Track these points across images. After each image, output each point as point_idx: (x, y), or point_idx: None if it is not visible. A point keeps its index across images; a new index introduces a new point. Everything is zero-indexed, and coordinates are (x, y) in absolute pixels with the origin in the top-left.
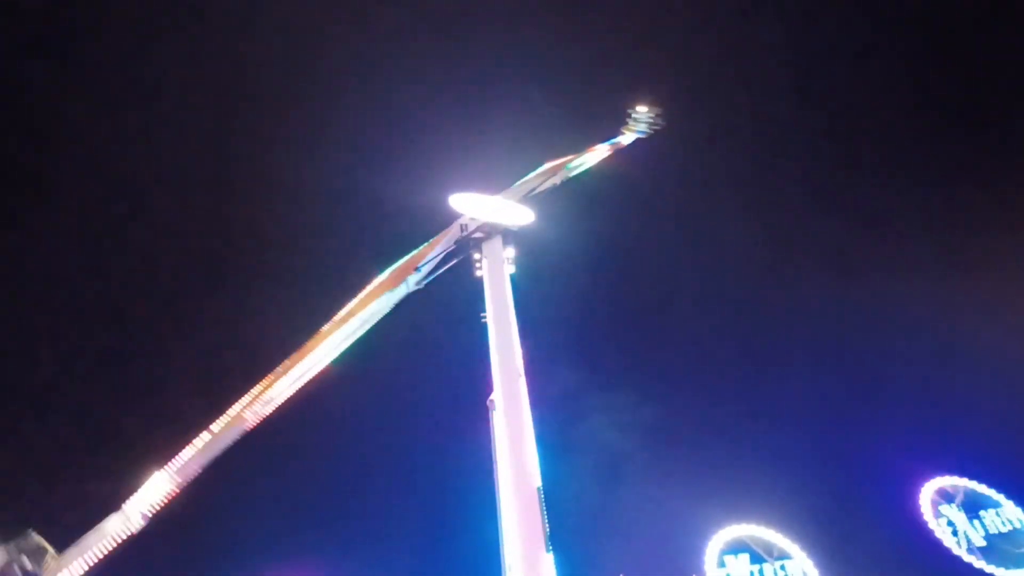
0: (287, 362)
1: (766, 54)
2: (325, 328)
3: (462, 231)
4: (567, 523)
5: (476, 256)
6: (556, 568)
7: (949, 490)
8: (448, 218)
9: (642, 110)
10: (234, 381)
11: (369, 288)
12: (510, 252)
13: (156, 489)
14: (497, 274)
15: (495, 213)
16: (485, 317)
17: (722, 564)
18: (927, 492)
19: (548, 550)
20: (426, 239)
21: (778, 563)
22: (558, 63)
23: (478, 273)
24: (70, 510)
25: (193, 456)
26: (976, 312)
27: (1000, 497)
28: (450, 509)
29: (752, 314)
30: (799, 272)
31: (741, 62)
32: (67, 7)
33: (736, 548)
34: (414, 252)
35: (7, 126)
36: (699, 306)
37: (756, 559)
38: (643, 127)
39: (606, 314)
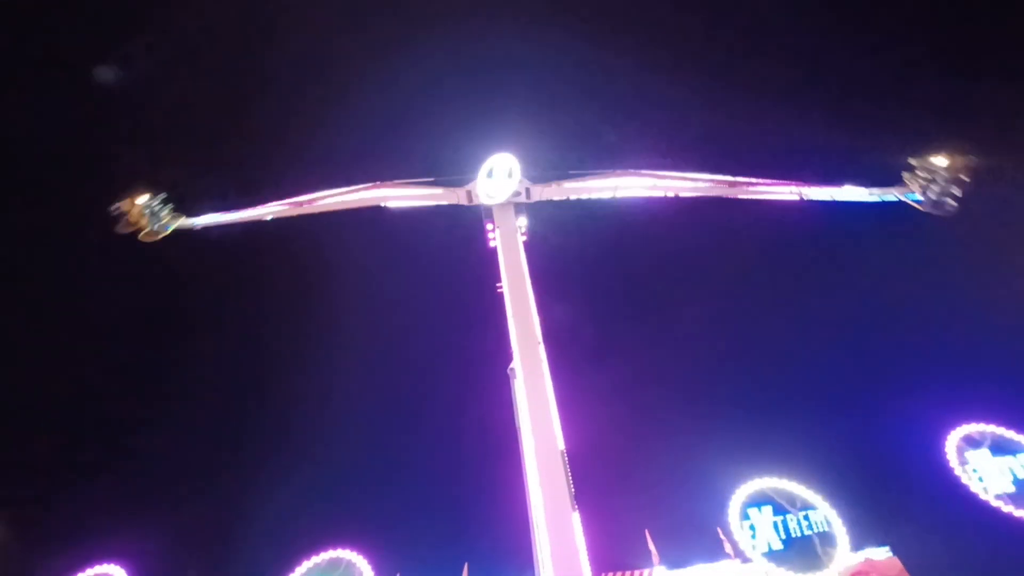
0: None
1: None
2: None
3: (470, 200)
4: (592, 481)
5: (489, 227)
6: (582, 525)
7: (976, 436)
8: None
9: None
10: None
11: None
12: (522, 221)
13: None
14: (511, 244)
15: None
16: (501, 287)
17: (746, 516)
18: (953, 439)
19: (574, 509)
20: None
21: (801, 513)
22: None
23: (492, 244)
24: None
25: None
26: (999, 260)
27: None
28: (478, 474)
29: (770, 266)
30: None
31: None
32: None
33: (759, 501)
34: (416, 191)
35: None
36: (718, 263)
37: (779, 511)
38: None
39: (622, 272)
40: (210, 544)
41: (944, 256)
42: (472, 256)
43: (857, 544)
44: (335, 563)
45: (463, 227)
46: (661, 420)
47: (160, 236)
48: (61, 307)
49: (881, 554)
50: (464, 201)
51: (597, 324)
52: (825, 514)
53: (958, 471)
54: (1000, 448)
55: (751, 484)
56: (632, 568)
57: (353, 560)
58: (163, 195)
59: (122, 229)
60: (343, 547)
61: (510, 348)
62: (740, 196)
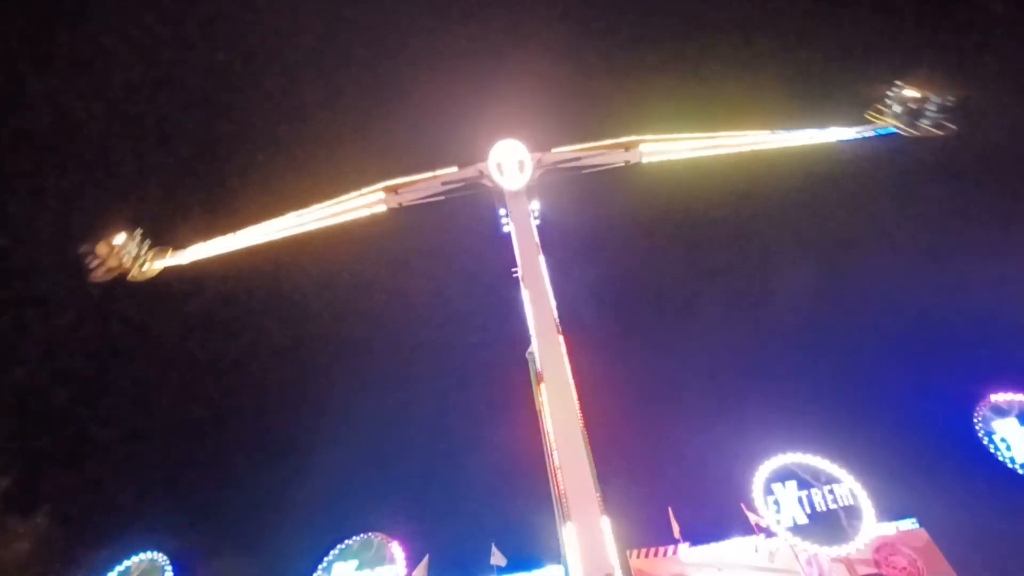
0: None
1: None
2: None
3: (481, 176)
4: (615, 461)
5: (503, 212)
6: (606, 504)
7: (1004, 405)
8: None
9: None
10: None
11: (366, 191)
12: (535, 205)
13: None
14: (524, 229)
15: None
16: (516, 272)
17: (770, 492)
18: (982, 408)
19: (597, 488)
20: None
21: (826, 487)
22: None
23: (505, 229)
24: None
25: None
26: None
27: None
28: (502, 459)
29: (794, 238)
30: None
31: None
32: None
33: (783, 476)
34: (420, 177)
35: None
36: (741, 242)
37: (804, 485)
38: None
39: (641, 248)
40: (253, 529)
41: (972, 228)
42: (485, 242)
43: (883, 516)
44: (367, 544)
45: (475, 214)
46: (683, 398)
47: (148, 277)
48: None
49: (908, 525)
50: (476, 176)
51: (616, 303)
52: (850, 487)
53: (985, 440)
54: None
55: (775, 460)
56: (657, 545)
57: (385, 541)
58: (140, 232)
59: (99, 277)
60: (376, 532)
61: (528, 332)
62: (736, 149)
